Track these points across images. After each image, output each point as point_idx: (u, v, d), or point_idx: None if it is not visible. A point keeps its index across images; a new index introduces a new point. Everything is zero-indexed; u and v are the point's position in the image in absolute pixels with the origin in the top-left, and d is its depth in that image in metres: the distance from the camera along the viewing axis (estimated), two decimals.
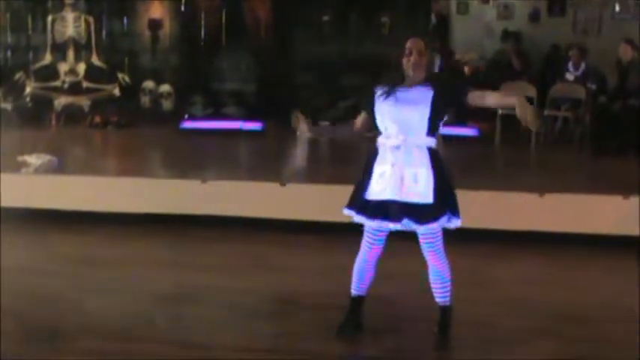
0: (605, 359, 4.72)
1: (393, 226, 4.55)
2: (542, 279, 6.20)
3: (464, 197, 7.26)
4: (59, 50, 12.27)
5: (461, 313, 4.90)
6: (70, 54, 12.17)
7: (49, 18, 12.29)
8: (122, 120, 11.58)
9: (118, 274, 6.13)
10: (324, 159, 10.31)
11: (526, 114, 4.28)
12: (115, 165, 9.43)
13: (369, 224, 4.63)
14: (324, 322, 4.99)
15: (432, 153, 4.55)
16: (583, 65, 11.12)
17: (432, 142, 4.57)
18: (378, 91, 4.58)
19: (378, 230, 4.68)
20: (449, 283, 4.76)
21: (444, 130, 4.78)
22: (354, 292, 4.89)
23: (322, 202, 7.20)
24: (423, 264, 6.33)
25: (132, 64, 12.98)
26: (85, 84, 12.05)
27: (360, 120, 4.79)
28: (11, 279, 5.69)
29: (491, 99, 4.62)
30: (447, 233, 6.52)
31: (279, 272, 6.21)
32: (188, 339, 4.85)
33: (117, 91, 12.14)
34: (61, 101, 11.85)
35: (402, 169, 4.47)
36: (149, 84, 12.56)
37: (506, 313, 5.38)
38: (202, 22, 13.16)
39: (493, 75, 11.76)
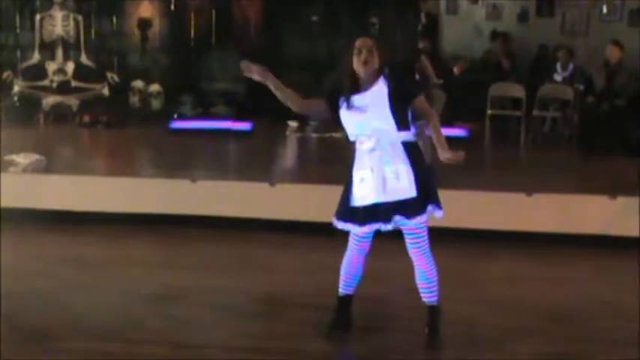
0: (593, 358, 4.74)
1: (384, 227, 4.56)
2: (529, 278, 6.22)
3: (453, 197, 7.32)
4: (47, 49, 12.23)
5: (449, 312, 4.91)
6: (59, 53, 12.14)
7: (38, 16, 12.25)
8: (111, 119, 11.55)
9: (107, 274, 6.12)
10: (313, 159, 10.32)
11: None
12: (104, 165, 9.42)
13: (362, 230, 4.63)
14: (312, 322, 5.00)
15: (408, 147, 4.58)
16: (571, 66, 11.18)
17: (406, 135, 4.57)
18: (340, 99, 4.61)
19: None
20: (435, 283, 4.77)
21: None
22: (341, 291, 4.91)
23: (311, 202, 7.22)
24: (409, 263, 6.36)
25: (121, 63, 12.97)
26: (73, 83, 12.00)
27: (310, 102, 4.81)
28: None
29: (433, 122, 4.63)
30: (435, 232, 6.56)
31: (268, 272, 6.21)
32: (177, 339, 4.85)
33: (106, 91, 12.11)
34: (49, 101, 11.81)
35: (381, 170, 4.51)
36: (138, 83, 12.54)
37: (493, 312, 5.40)
38: (192, 22, 13.16)
39: (482, 75, 11.80)
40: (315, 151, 10.72)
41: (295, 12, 13.16)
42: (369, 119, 4.51)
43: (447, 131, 11.27)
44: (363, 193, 4.55)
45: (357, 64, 4.52)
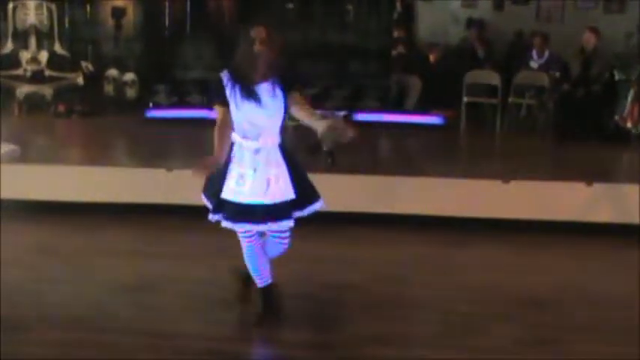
0: (566, 344, 4.76)
1: (256, 228, 4.57)
2: (506, 265, 6.25)
3: (430, 185, 7.34)
4: (21, 38, 12.11)
5: (424, 299, 4.92)
6: (32, 42, 12.01)
7: (10, 5, 12.10)
8: (86, 109, 11.46)
9: (82, 264, 6.08)
10: (290, 146, 10.27)
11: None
12: (79, 154, 9.34)
13: (237, 228, 4.60)
14: (286, 310, 4.98)
15: (283, 149, 4.59)
16: (546, 53, 11.21)
17: (279, 138, 4.58)
18: (227, 83, 4.44)
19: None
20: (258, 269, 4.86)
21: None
22: (263, 282, 4.86)
23: None
24: (388, 251, 6.38)
25: (95, 52, 12.85)
26: (47, 72, 11.89)
27: (222, 116, 4.51)
28: None
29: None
30: (412, 220, 6.61)
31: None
32: (152, 328, 4.83)
33: (80, 80, 12.00)
34: (23, 90, 11.69)
35: (266, 173, 4.46)
36: (113, 72, 12.44)
37: (470, 299, 5.41)
38: (166, 10, 13.06)
39: (458, 63, 11.81)
40: (291, 139, 10.66)
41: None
42: (268, 116, 4.45)
43: (423, 119, 11.36)
44: (243, 191, 4.46)
45: (253, 54, 4.36)
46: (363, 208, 7.12)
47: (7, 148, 8.04)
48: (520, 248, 6.66)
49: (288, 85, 4.48)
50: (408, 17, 13.57)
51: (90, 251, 6.40)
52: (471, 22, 13.12)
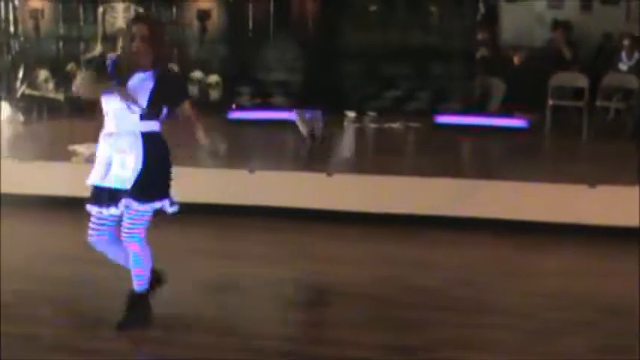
0: None
1: (106, 211, 4.55)
2: (586, 271, 6.12)
3: (514, 188, 7.24)
4: (109, 41, 12.41)
5: (502, 304, 4.85)
6: (121, 45, 12.29)
7: (100, 9, 12.44)
8: None
9: (163, 263, 6.16)
10: (371, 149, 10.29)
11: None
12: None
13: (93, 211, 4.61)
14: (363, 311, 4.97)
15: (148, 138, 4.61)
16: (636, 55, 10.94)
17: (147, 125, 4.61)
18: (110, 68, 4.56)
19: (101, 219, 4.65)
20: (147, 270, 4.81)
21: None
22: (145, 287, 4.84)
23: (368, 192, 7.19)
24: (468, 255, 6.32)
25: (180, 54, 13.08)
26: None
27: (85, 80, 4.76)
28: (54, 266, 5.77)
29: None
30: (494, 223, 6.52)
31: (322, 262, 6.20)
32: (230, 328, 4.88)
33: None
34: None
35: (111, 156, 4.53)
36: (197, 74, 12.65)
37: (548, 305, 5.31)
38: (250, 13, 13.21)
39: (543, 65, 11.62)
40: (372, 141, 10.68)
41: (353, 2, 13.11)
42: (116, 100, 4.49)
43: (507, 122, 11.21)
44: (93, 174, 4.58)
45: (130, 50, 4.48)
46: (445, 211, 7.07)
47: (95, 148, 8.21)
48: (602, 254, 6.52)
49: (171, 96, 4.75)
50: (492, 19, 13.42)
51: (173, 250, 6.49)
52: (556, 24, 12.88)
